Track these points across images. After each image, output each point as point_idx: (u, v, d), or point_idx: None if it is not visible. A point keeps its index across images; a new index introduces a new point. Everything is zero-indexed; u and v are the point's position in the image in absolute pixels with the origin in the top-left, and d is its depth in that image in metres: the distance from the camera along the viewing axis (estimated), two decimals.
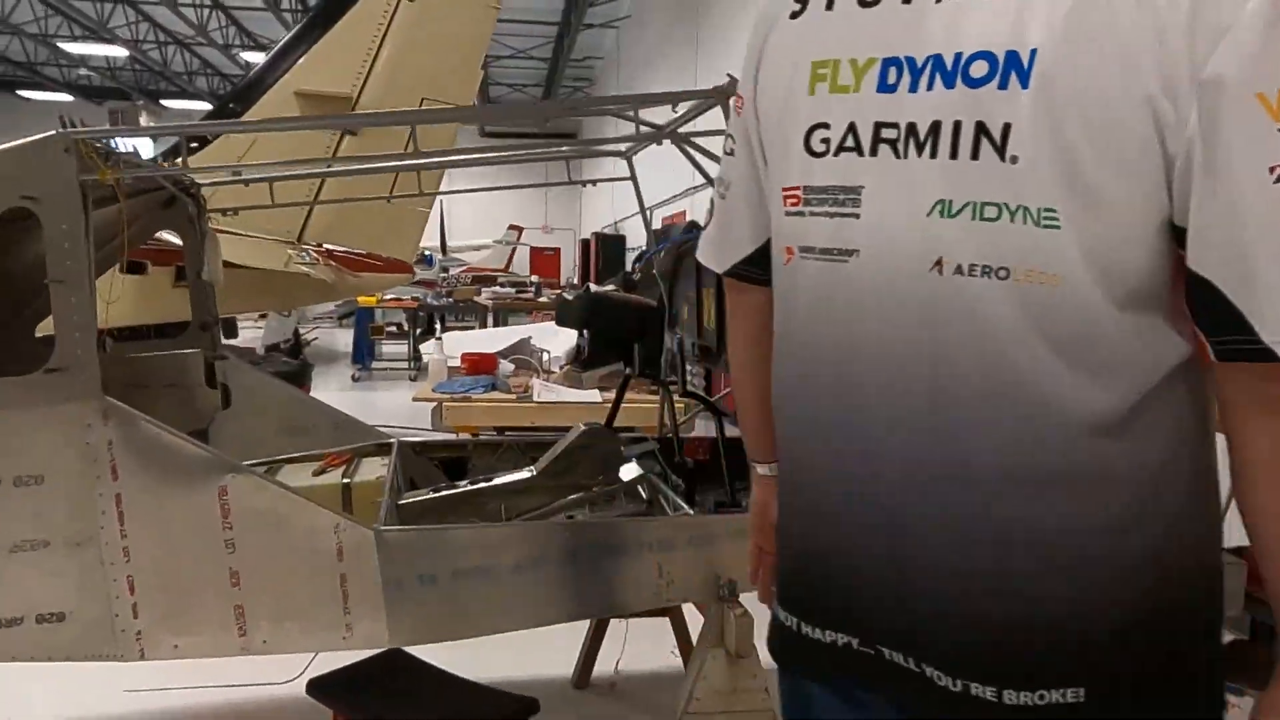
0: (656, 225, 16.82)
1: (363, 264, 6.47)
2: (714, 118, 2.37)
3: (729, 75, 2.26)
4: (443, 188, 5.60)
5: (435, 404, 4.42)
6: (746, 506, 2.71)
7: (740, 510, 2.59)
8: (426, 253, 15.00)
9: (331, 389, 11.80)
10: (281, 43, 6.75)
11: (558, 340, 5.91)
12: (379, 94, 6.39)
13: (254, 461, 3.06)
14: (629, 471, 2.81)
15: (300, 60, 6.32)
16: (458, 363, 5.10)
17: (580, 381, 4.82)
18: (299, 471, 2.96)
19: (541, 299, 9.47)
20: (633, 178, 3.35)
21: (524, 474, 2.81)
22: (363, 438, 3.22)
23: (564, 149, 3.15)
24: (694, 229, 3.10)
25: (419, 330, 13.14)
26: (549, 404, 4.44)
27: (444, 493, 2.73)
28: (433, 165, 3.84)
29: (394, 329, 13.84)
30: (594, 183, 3.42)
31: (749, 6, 12.43)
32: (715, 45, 13.76)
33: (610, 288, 5.56)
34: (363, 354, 12.78)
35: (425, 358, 5.88)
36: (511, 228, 25.94)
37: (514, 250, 25.41)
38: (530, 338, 5.91)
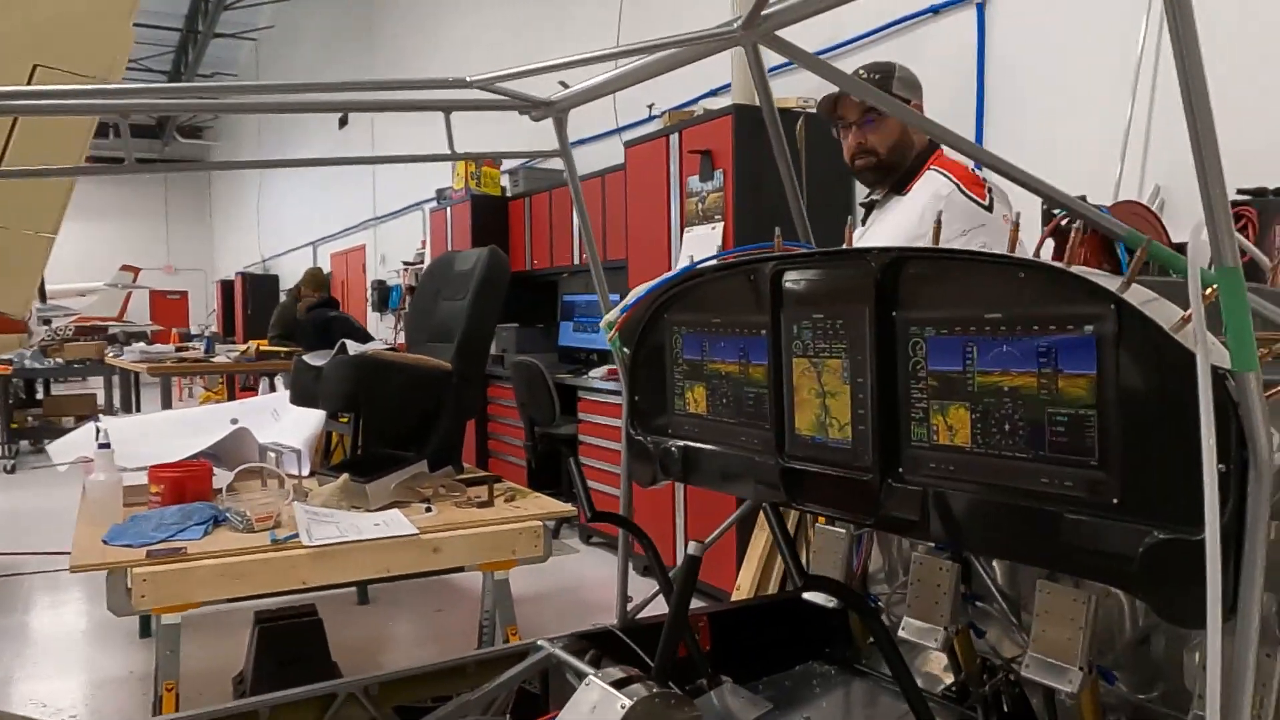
0: (324, 265, 14.44)
1: None
2: None
3: None
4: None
5: (114, 573, 2.43)
6: None
7: None
8: None
9: None
10: None
11: (281, 427, 4.00)
12: None
13: None
14: None
15: None
16: (141, 478, 3.06)
17: (365, 497, 3.04)
18: None
19: (217, 357, 6.86)
20: (564, 148, 1.78)
21: None
22: None
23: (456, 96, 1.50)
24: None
25: (11, 402, 9.99)
26: (329, 547, 2.64)
27: None
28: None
29: None
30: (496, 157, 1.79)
31: (425, 22, 10.86)
32: (392, 61, 11.97)
33: (381, 345, 3.80)
34: None
35: (65, 465, 3.68)
36: (125, 268, 22.23)
37: (129, 295, 21.81)
38: (236, 421, 3.94)
